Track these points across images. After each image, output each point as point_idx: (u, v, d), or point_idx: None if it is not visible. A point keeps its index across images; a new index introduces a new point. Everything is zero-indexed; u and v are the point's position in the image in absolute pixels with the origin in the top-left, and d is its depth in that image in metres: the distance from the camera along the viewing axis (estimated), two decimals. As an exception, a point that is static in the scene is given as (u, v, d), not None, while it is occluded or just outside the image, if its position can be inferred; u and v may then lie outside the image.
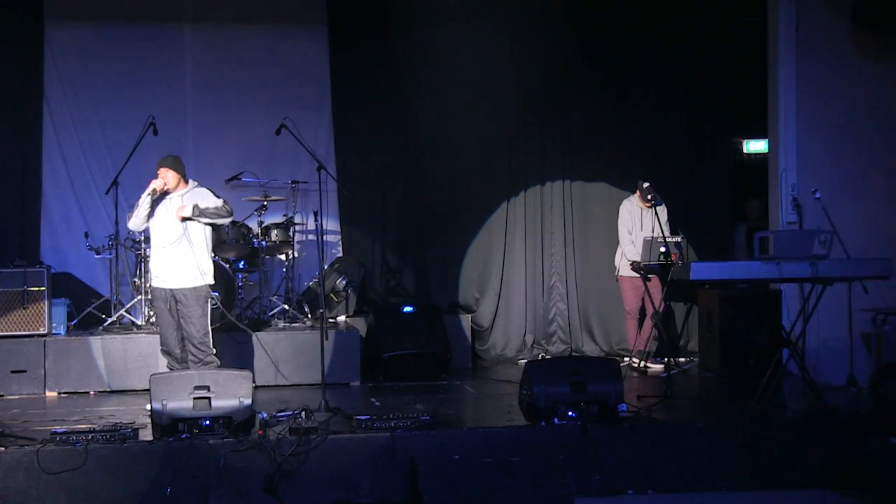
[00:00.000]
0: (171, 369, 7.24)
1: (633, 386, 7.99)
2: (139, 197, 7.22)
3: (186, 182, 7.33)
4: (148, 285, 8.13)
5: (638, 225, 9.03)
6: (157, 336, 8.11)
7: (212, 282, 7.37)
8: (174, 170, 7.24)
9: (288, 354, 8.34)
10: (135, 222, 7.24)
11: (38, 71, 9.38)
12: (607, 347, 9.91)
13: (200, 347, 7.21)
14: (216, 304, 8.42)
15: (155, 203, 7.21)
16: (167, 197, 7.24)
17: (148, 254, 8.50)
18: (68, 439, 5.91)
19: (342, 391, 8.03)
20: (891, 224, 8.75)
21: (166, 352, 7.35)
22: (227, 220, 7.48)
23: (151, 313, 8.56)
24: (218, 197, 7.41)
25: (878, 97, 8.81)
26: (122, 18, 9.55)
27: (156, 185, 7.16)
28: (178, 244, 7.21)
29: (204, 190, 7.40)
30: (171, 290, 7.23)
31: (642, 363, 9.00)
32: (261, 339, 8.33)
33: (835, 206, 8.17)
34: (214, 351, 7.29)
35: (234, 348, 8.26)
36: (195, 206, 7.17)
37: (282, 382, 8.25)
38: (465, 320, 9.55)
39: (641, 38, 9.92)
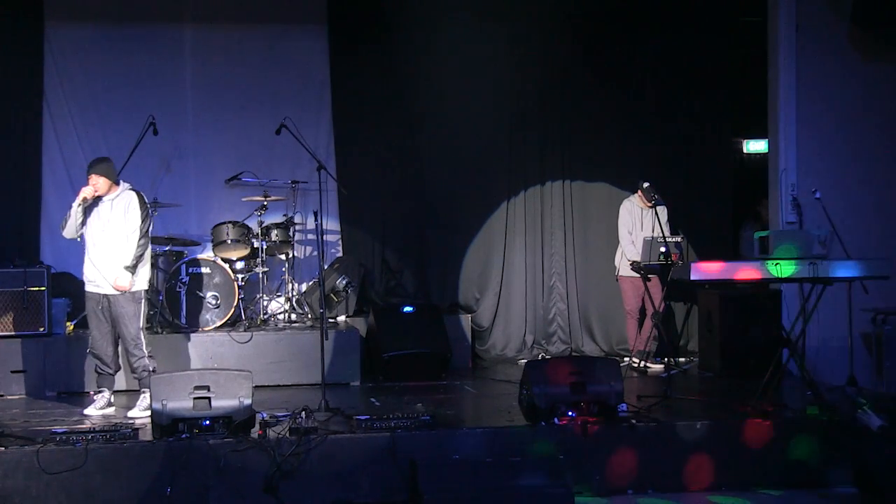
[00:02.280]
0: (101, 372, 7.23)
1: (633, 386, 7.99)
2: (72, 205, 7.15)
3: (117, 184, 7.22)
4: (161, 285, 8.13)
5: (638, 225, 9.03)
6: (156, 336, 8.16)
7: (144, 286, 7.25)
8: (105, 176, 7.14)
9: (288, 354, 8.33)
10: (68, 231, 7.16)
11: (38, 71, 9.38)
12: (607, 347, 9.91)
13: (133, 351, 7.15)
14: (218, 304, 8.45)
15: (87, 210, 7.15)
16: (99, 202, 7.16)
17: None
18: (68, 439, 5.91)
19: (342, 391, 8.02)
20: (890, 224, 8.75)
21: (95, 355, 7.24)
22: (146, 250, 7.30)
23: (151, 313, 8.55)
24: (142, 208, 7.19)
25: (877, 96, 8.81)
26: (122, 18, 9.55)
27: (86, 192, 7.08)
28: (107, 249, 7.12)
29: (132, 195, 7.21)
30: (104, 294, 7.15)
31: (642, 363, 9.00)
32: (261, 340, 8.33)
33: (835, 206, 8.17)
34: (147, 353, 7.17)
35: (233, 348, 8.27)
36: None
37: (282, 382, 8.25)
38: (465, 320, 9.55)
39: (641, 38, 9.93)
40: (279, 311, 9.01)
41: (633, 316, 9.21)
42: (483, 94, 9.83)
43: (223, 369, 6.85)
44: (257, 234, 8.88)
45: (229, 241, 8.72)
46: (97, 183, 7.13)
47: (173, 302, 8.41)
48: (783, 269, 6.81)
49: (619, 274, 9.22)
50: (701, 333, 9.36)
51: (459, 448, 6.21)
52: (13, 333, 8.14)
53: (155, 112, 8.84)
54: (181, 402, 6.06)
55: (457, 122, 9.82)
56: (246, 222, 8.96)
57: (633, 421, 6.50)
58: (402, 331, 8.75)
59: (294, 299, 9.06)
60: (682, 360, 9.56)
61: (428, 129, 9.88)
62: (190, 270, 8.44)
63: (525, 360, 8.52)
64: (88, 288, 7.22)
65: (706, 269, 6.93)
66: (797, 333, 7.46)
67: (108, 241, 7.11)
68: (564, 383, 6.42)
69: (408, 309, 9.04)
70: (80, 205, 7.09)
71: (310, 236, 9.79)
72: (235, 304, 8.53)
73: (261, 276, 8.92)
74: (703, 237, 9.82)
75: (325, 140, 9.79)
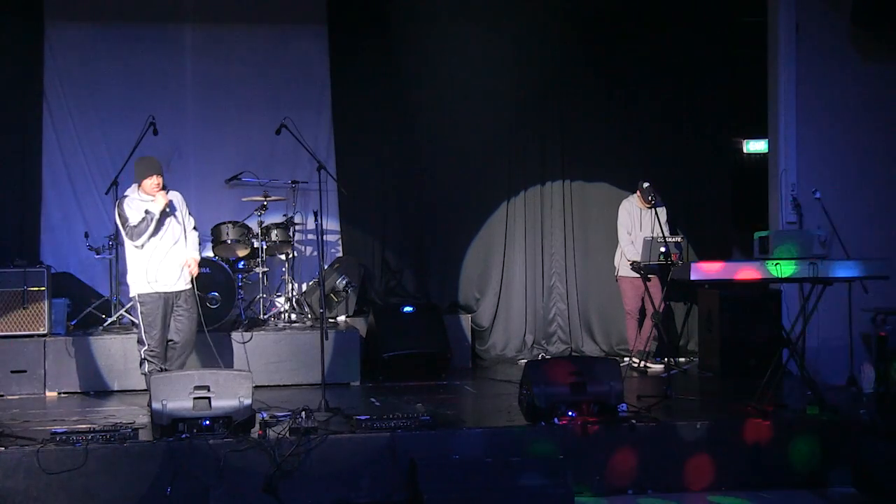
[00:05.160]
0: (153, 371, 7.13)
1: (633, 386, 8.00)
2: (139, 212, 7.11)
3: None
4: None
5: (637, 225, 9.03)
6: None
7: None
8: (162, 177, 7.26)
9: (288, 354, 8.33)
10: (143, 239, 7.08)
11: (38, 71, 9.38)
12: (607, 347, 9.91)
13: (191, 345, 7.37)
14: (218, 304, 8.45)
15: (140, 210, 7.17)
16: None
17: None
18: (68, 439, 5.91)
19: (342, 391, 8.03)
20: (890, 224, 8.74)
21: (155, 355, 7.19)
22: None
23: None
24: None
25: (877, 97, 8.80)
26: (122, 18, 9.55)
27: (165, 200, 7.14)
28: (175, 247, 7.24)
29: (177, 193, 7.47)
30: (173, 292, 7.22)
31: (642, 363, 9.00)
32: (261, 340, 8.33)
33: (835, 206, 8.16)
34: None
35: (233, 348, 8.26)
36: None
37: (282, 382, 8.25)
38: (465, 320, 9.55)
39: (641, 38, 9.92)
40: (279, 311, 9.01)
41: (633, 316, 9.21)
42: (483, 95, 9.83)
43: (223, 369, 6.87)
44: (257, 234, 8.88)
45: (229, 241, 8.72)
46: (160, 182, 7.19)
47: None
48: (783, 269, 6.81)
49: (619, 274, 9.22)
50: (701, 333, 9.36)
51: (459, 448, 6.22)
52: (13, 333, 8.14)
53: (155, 112, 8.84)
54: (181, 402, 6.06)
55: (457, 121, 9.82)
56: (246, 222, 8.96)
57: (633, 421, 6.50)
58: (402, 331, 8.75)
59: (294, 299, 9.06)
60: (682, 360, 9.57)
61: (428, 129, 9.88)
62: (190, 270, 8.44)
63: (525, 360, 8.52)
64: (152, 288, 7.15)
65: (706, 269, 6.93)
66: (797, 333, 7.46)
67: (171, 239, 7.23)
68: (564, 383, 6.43)
69: (408, 309, 9.04)
70: (161, 212, 7.12)
71: (310, 236, 9.79)
72: (235, 304, 8.53)
73: (261, 276, 8.92)
74: (703, 237, 9.83)
75: (325, 140, 9.79)
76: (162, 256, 7.19)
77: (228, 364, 8.09)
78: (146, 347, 7.19)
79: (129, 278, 7.27)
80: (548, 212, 10.00)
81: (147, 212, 7.07)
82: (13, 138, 9.36)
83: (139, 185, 7.19)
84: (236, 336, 8.31)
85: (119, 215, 7.17)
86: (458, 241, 9.97)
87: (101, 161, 9.46)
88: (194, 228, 7.53)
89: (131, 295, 7.32)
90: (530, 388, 6.43)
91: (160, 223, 7.16)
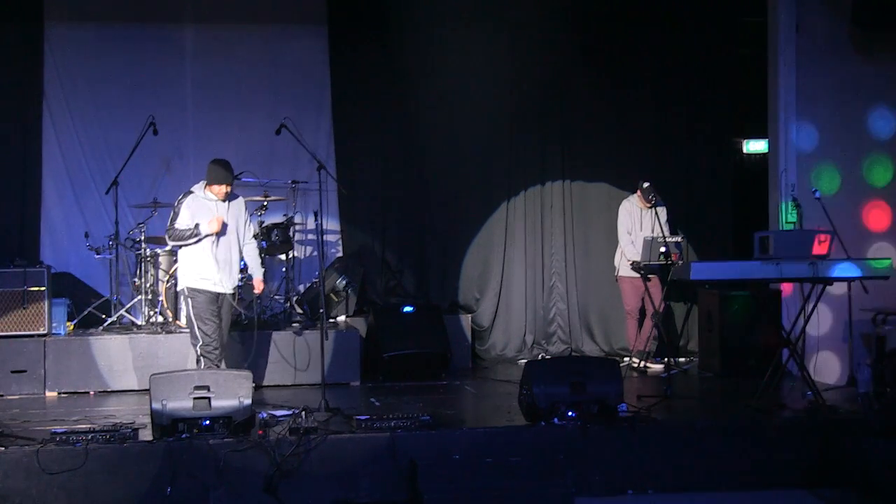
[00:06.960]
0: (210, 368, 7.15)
1: (633, 386, 8.00)
2: (181, 223, 7.15)
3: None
4: (161, 285, 8.24)
5: (637, 225, 9.03)
6: (157, 336, 8.14)
7: None
8: (231, 186, 7.32)
9: (288, 354, 8.33)
10: (175, 245, 7.25)
11: (38, 71, 9.38)
12: (607, 347, 9.91)
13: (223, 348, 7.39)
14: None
15: (202, 210, 7.18)
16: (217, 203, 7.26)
17: (149, 254, 8.51)
18: (68, 439, 5.91)
19: (342, 391, 8.03)
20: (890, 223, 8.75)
21: (209, 351, 7.20)
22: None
23: (151, 313, 8.56)
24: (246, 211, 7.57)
25: (877, 97, 8.80)
26: (122, 18, 9.55)
27: (219, 227, 7.14)
28: (229, 253, 7.30)
29: (243, 201, 7.56)
30: (218, 293, 7.26)
31: (642, 363, 9.00)
32: (262, 339, 8.33)
33: (834, 206, 8.16)
34: None
35: (234, 348, 8.26)
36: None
37: (282, 382, 8.25)
38: (465, 320, 9.55)
39: (641, 38, 9.92)
40: (279, 311, 9.00)
41: (633, 316, 9.20)
42: (483, 94, 9.83)
43: (223, 369, 6.86)
44: (257, 234, 8.87)
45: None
46: (228, 192, 7.26)
47: (173, 302, 8.40)
48: (783, 269, 6.81)
49: (619, 274, 9.22)
50: (701, 333, 9.36)
51: (459, 448, 6.21)
52: (13, 333, 8.13)
53: (155, 112, 8.85)
54: (181, 402, 6.06)
55: (457, 122, 9.82)
56: (246, 222, 8.95)
57: (634, 421, 6.50)
58: (402, 331, 8.75)
59: (294, 299, 9.06)
60: (682, 360, 9.56)
61: (428, 129, 9.88)
62: (190, 270, 8.43)
63: (525, 360, 8.52)
64: (204, 286, 7.21)
65: (706, 269, 6.93)
66: (797, 333, 7.46)
67: (229, 243, 7.28)
68: (564, 383, 6.43)
69: (408, 309, 9.04)
70: (207, 235, 7.15)
71: (310, 236, 9.79)
72: (235, 303, 8.51)
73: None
74: (703, 237, 9.83)
75: (325, 140, 9.79)
76: (214, 260, 7.22)
77: (228, 364, 8.08)
78: (200, 343, 7.17)
79: (180, 270, 7.37)
80: (548, 212, 10.00)
81: (197, 226, 7.12)
82: (13, 138, 9.36)
83: (207, 185, 7.25)
84: (237, 336, 8.29)
85: (173, 209, 7.23)
86: (458, 241, 9.97)
87: (101, 161, 9.46)
88: (254, 237, 7.62)
89: (180, 288, 7.39)
90: (530, 388, 6.43)
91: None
